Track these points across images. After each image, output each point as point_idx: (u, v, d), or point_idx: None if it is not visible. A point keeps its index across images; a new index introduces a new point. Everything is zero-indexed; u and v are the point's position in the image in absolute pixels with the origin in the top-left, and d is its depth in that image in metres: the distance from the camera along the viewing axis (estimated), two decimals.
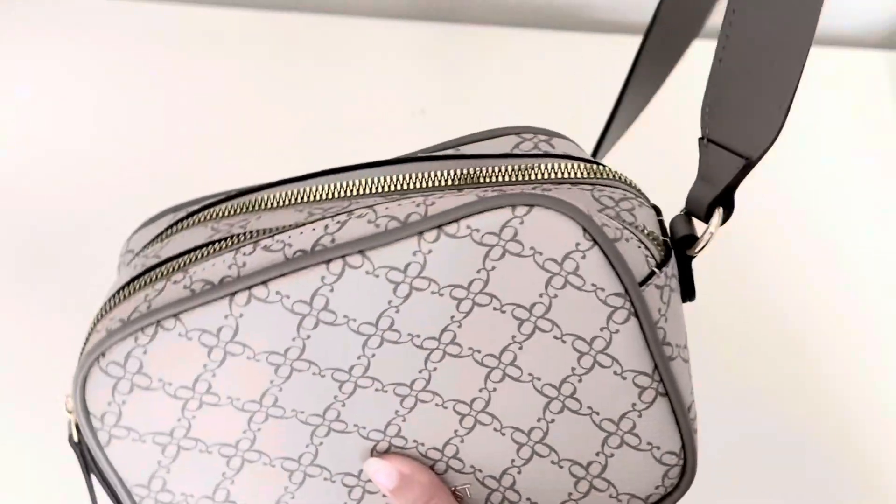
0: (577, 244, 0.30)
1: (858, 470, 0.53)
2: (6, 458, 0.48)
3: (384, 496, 0.34)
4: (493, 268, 0.31)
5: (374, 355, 0.31)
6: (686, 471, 0.34)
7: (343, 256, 0.30)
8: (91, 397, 0.32)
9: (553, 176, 0.33)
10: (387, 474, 0.32)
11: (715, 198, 0.33)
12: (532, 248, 0.30)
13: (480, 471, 0.34)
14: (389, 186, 0.34)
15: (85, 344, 0.34)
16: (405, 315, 0.31)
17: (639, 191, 0.34)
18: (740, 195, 0.34)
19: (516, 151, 0.34)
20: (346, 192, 0.34)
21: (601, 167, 0.33)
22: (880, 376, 0.56)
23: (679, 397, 0.33)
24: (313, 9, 0.66)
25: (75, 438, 0.34)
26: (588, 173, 0.33)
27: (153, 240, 0.36)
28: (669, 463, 0.34)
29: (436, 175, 0.33)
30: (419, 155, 0.35)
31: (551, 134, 0.35)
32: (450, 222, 0.30)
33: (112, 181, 0.57)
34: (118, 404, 0.31)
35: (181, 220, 0.36)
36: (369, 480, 0.33)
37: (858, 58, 0.69)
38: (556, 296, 0.31)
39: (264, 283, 0.30)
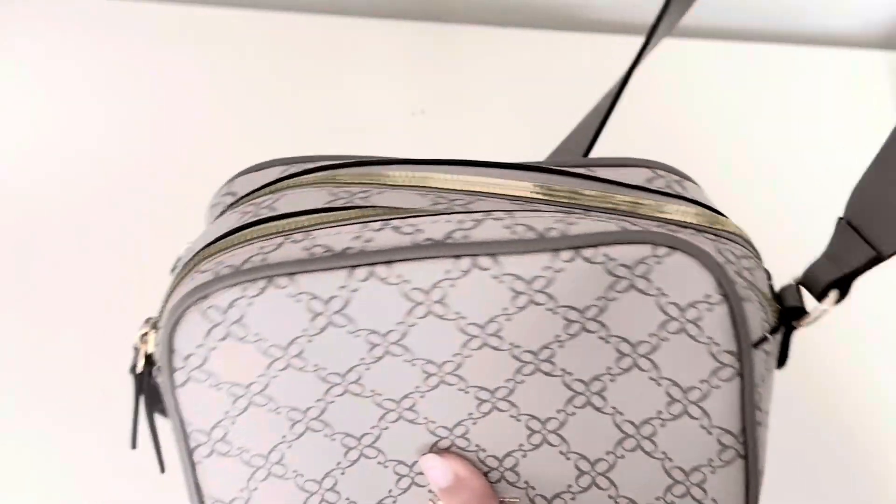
0: (708, 296, 0.31)
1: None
2: (7, 458, 0.48)
3: (430, 492, 0.34)
4: (615, 299, 0.31)
5: (469, 356, 0.31)
6: None
7: (473, 255, 0.30)
8: (181, 336, 0.31)
9: (680, 219, 0.33)
10: (443, 472, 0.32)
11: (836, 279, 0.33)
12: (659, 288, 0.30)
13: (534, 488, 0.34)
14: (518, 192, 0.33)
15: (178, 276, 0.33)
16: (514, 325, 0.31)
17: (756, 250, 0.34)
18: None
19: (648, 186, 0.34)
20: (472, 187, 0.34)
21: (724, 219, 0.33)
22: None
23: (756, 462, 0.33)
24: (313, 9, 0.66)
25: (138, 370, 0.33)
26: (712, 223, 0.33)
27: (261, 188, 0.35)
28: None
29: (567, 192, 0.33)
30: (551, 167, 0.34)
31: (683, 176, 0.35)
32: (588, 246, 0.30)
33: (112, 181, 0.57)
34: (208, 349, 0.31)
35: (295, 175, 0.35)
36: (420, 473, 0.33)
37: (858, 58, 0.69)
38: (666, 339, 0.31)
39: (388, 263, 0.30)
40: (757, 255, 0.34)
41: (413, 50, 0.64)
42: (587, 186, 0.34)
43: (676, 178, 0.35)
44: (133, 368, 0.33)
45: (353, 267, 0.30)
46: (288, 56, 0.63)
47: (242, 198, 0.36)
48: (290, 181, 0.35)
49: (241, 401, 0.32)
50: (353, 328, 0.31)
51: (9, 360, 0.51)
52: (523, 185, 0.33)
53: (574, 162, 0.35)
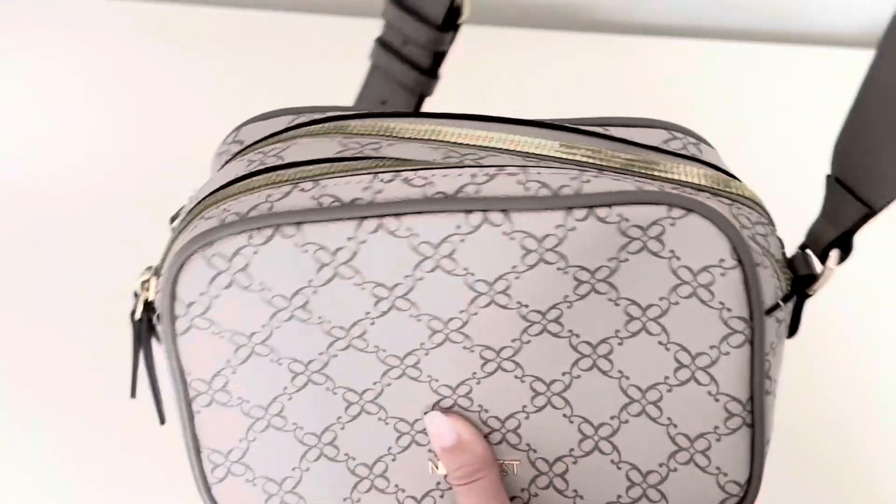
0: (722, 260, 0.30)
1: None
2: (7, 457, 0.48)
3: (430, 452, 0.33)
4: (626, 259, 0.30)
5: (476, 314, 0.31)
6: (744, 501, 0.34)
7: (485, 210, 0.29)
8: (183, 283, 0.30)
9: (696, 181, 0.32)
10: (447, 431, 0.32)
11: (835, 239, 0.32)
12: (672, 251, 0.30)
13: (535, 451, 0.34)
14: (531, 149, 0.33)
15: (181, 223, 0.32)
16: (523, 283, 0.30)
17: (770, 216, 0.33)
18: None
19: (665, 147, 0.33)
20: (484, 142, 0.33)
21: (739, 183, 0.33)
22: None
23: (763, 431, 0.33)
24: (313, 9, 0.66)
25: (137, 317, 0.33)
26: (726, 187, 0.33)
27: (270, 137, 0.35)
28: (731, 492, 0.34)
29: (582, 149, 0.33)
30: (565, 124, 0.34)
31: (700, 139, 0.34)
32: (602, 205, 0.29)
33: (111, 180, 0.57)
34: (211, 297, 0.30)
35: (304, 124, 0.34)
36: (420, 431, 0.33)
37: (858, 58, 0.69)
38: (677, 303, 0.31)
39: (397, 216, 0.30)
40: (771, 222, 0.33)
41: None
42: (602, 145, 0.33)
43: (693, 140, 0.34)
44: (132, 315, 0.33)
45: (362, 218, 0.30)
46: (288, 56, 0.63)
47: (249, 146, 0.35)
48: (299, 130, 0.34)
49: (242, 350, 0.31)
50: (359, 280, 0.30)
51: (9, 359, 0.51)
52: (537, 142, 0.33)
53: (589, 120, 0.34)
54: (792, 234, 0.36)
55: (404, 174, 0.31)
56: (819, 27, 0.71)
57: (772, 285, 0.31)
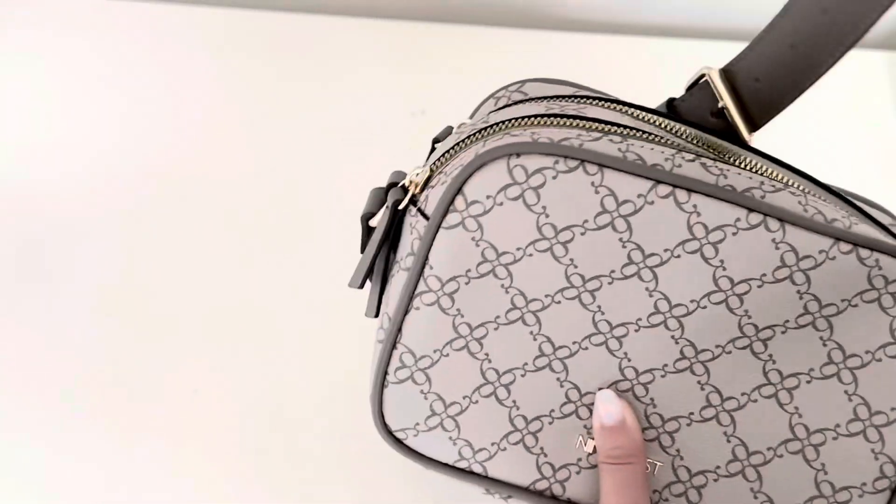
0: None
1: None
2: (7, 457, 0.48)
3: (585, 427, 0.34)
4: (856, 305, 0.31)
5: (706, 307, 0.32)
6: None
7: (766, 215, 0.31)
8: (476, 181, 0.31)
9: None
10: (615, 411, 0.33)
11: None
12: None
13: (681, 458, 0.34)
14: (813, 197, 0.33)
15: (478, 134, 0.33)
16: (761, 294, 0.31)
17: None
18: None
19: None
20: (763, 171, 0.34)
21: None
22: None
23: None
24: (313, 9, 0.66)
25: (400, 207, 0.34)
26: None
27: (558, 98, 0.36)
28: None
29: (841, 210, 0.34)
30: (831, 189, 0.35)
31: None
32: (866, 248, 0.31)
33: (111, 180, 0.57)
34: (495, 202, 0.31)
35: (589, 98, 0.35)
36: (586, 405, 0.34)
37: (858, 58, 0.69)
38: (880, 360, 0.32)
39: (689, 190, 0.31)
40: None
41: (413, 50, 0.64)
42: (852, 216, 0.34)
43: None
44: (396, 204, 0.34)
45: (658, 182, 0.31)
46: (288, 56, 0.63)
47: (538, 98, 0.36)
48: (588, 101, 0.35)
49: (485, 265, 0.32)
50: (625, 238, 0.31)
51: (9, 360, 0.51)
52: (788, 181, 0.34)
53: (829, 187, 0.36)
54: None
55: (703, 159, 0.32)
56: None
57: None
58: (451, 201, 0.32)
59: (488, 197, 0.31)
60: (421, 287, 0.33)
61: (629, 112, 0.35)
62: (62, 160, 0.58)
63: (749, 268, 0.31)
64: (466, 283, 0.33)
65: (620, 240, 0.31)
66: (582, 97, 0.36)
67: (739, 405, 0.33)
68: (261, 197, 0.57)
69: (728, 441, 0.33)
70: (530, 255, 0.32)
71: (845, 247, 0.31)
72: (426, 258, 0.32)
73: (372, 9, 0.66)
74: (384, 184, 0.36)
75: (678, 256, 0.31)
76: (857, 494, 0.33)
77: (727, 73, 0.33)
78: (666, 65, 0.65)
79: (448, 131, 0.38)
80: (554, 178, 0.31)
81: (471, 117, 0.38)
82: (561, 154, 0.31)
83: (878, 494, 0.33)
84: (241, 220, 0.56)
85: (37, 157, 0.58)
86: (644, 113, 0.34)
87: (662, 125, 0.34)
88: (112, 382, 0.51)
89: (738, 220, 0.31)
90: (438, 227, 0.32)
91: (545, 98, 0.36)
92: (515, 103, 0.36)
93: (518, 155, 0.31)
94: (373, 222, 0.36)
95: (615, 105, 0.35)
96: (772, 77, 0.32)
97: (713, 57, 0.68)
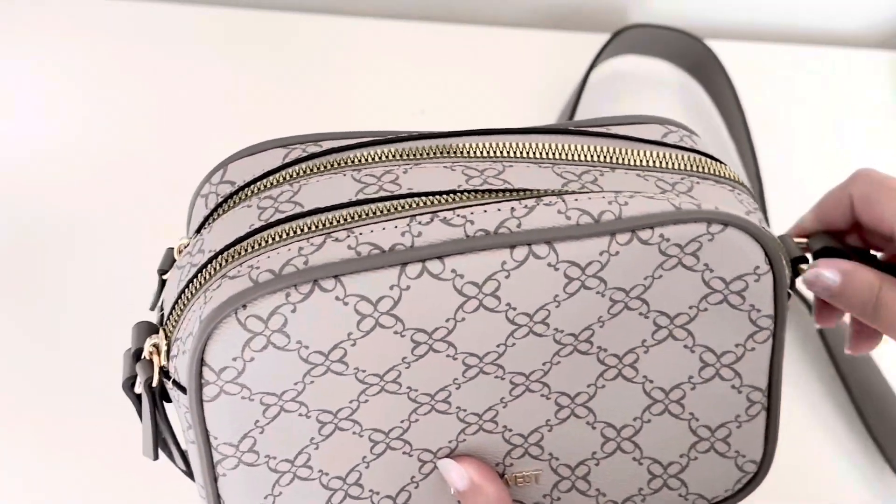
0: (756, 267, 0.31)
1: None
2: (9, 457, 0.48)
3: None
4: (660, 276, 0.31)
5: (513, 345, 0.30)
6: (757, 477, 0.35)
7: (529, 244, 0.29)
8: (215, 348, 0.28)
9: (701, 170, 0.33)
10: (459, 476, 0.33)
11: (839, 250, 0.35)
12: (706, 264, 0.31)
13: (557, 459, 0.34)
14: (543, 153, 0.32)
15: (194, 280, 0.30)
16: (562, 311, 0.30)
17: (753, 195, 0.34)
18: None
19: (665, 140, 0.34)
20: (496, 151, 0.32)
21: (726, 167, 0.34)
22: None
23: (777, 411, 0.34)
24: (313, 9, 0.66)
25: (153, 384, 0.30)
26: (724, 174, 0.33)
27: (267, 176, 0.32)
28: (747, 470, 0.35)
29: (593, 149, 0.33)
30: (569, 128, 0.34)
31: (691, 131, 0.35)
32: (644, 227, 0.29)
33: (110, 180, 0.57)
34: (245, 360, 0.28)
35: (301, 159, 0.32)
36: (446, 456, 0.33)
37: (858, 58, 0.69)
38: (705, 309, 0.32)
39: (440, 258, 0.28)
40: (756, 200, 0.34)
41: (413, 50, 0.64)
42: (608, 144, 0.33)
43: (686, 132, 0.35)
44: (148, 382, 0.30)
45: (405, 264, 0.28)
46: (288, 56, 0.63)
47: (245, 187, 0.32)
48: (300, 167, 0.32)
49: (271, 409, 0.30)
50: (399, 328, 0.29)
51: (9, 359, 0.51)
52: (548, 147, 0.32)
53: (589, 122, 0.35)
54: (786, 228, 0.36)
55: (442, 214, 0.29)
56: (819, 27, 0.71)
57: (787, 278, 0.32)
58: (200, 374, 0.29)
59: (235, 359, 0.28)
60: (216, 457, 0.31)
61: (346, 160, 0.32)
62: (62, 160, 0.58)
63: (539, 298, 0.29)
64: (262, 433, 0.30)
65: (396, 332, 0.29)
66: (292, 163, 0.32)
67: (591, 396, 0.33)
68: None
69: (594, 428, 0.33)
70: (311, 382, 0.29)
71: (623, 237, 0.29)
72: (206, 433, 0.30)
73: (372, 9, 0.66)
74: (135, 338, 0.32)
75: (462, 320, 0.29)
76: (734, 427, 0.34)
77: None
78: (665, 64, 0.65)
79: (169, 257, 0.34)
80: (293, 311, 0.28)
81: (188, 223, 0.35)
82: (289, 285, 0.28)
83: (754, 419, 0.34)
84: None
85: (37, 157, 0.58)
86: (357, 150, 0.32)
87: (384, 156, 0.32)
88: (112, 382, 0.51)
89: (504, 262, 0.29)
90: (201, 401, 0.29)
91: (252, 188, 0.32)
92: (224, 200, 0.33)
93: (244, 306, 0.28)
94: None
95: (325, 156, 0.32)
96: None
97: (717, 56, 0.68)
